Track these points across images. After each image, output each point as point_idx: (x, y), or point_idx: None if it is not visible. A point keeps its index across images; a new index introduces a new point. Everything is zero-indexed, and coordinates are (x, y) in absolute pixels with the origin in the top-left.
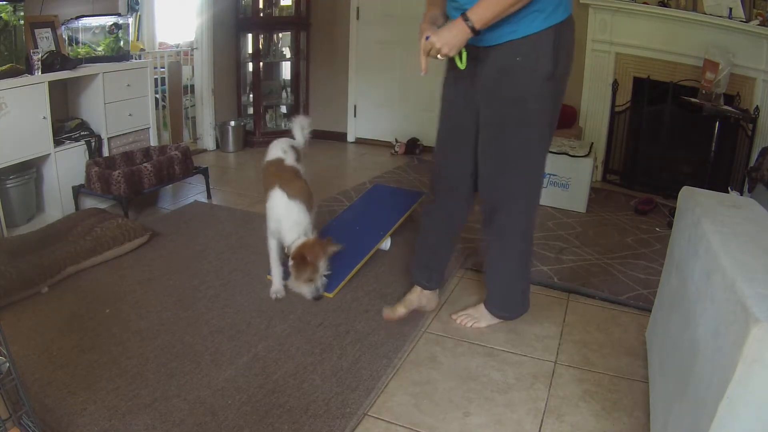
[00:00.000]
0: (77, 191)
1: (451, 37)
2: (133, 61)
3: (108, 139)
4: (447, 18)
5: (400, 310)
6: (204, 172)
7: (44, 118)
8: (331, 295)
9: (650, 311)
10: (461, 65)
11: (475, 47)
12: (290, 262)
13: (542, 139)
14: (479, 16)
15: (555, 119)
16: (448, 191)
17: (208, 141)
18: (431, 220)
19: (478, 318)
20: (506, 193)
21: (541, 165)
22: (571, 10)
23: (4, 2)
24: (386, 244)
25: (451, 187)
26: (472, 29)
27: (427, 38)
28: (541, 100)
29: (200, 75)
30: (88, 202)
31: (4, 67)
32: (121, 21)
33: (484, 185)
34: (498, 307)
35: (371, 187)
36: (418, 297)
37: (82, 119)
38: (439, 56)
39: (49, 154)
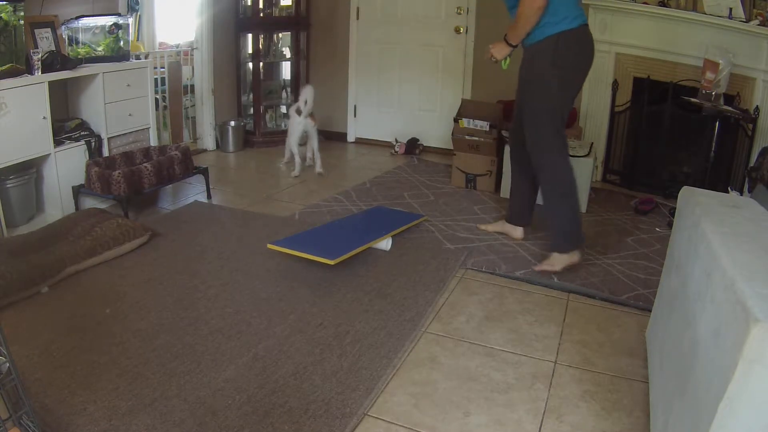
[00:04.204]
0: (77, 191)
1: (498, 50)
2: (133, 61)
3: (108, 139)
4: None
5: (489, 227)
6: (204, 172)
7: (44, 118)
8: (332, 262)
9: (650, 311)
10: (504, 67)
11: (523, 47)
12: None
13: (549, 108)
14: (511, 36)
15: (564, 97)
16: (513, 151)
17: (208, 141)
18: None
19: (553, 263)
20: (534, 139)
21: (548, 125)
22: (575, 24)
23: (4, 2)
24: (387, 244)
25: (513, 146)
26: (509, 44)
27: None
28: (546, 81)
29: (200, 75)
30: (88, 202)
31: (4, 67)
32: (121, 21)
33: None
34: (557, 243)
35: (372, 207)
36: (503, 225)
37: (82, 119)
38: (493, 60)
39: (49, 154)
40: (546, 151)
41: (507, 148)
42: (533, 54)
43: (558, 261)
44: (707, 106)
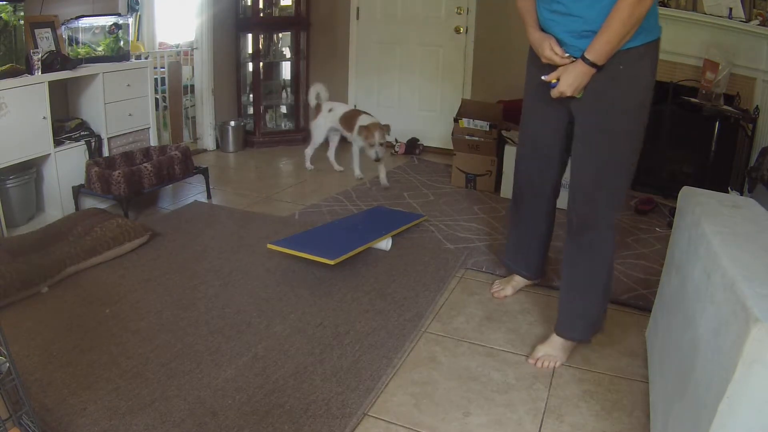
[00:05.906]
0: (77, 191)
1: (576, 81)
2: (133, 61)
3: (108, 139)
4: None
5: (508, 291)
6: (204, 172)
7: (44, 118)
8: (332, 262)
9: (650, 311)
10: (579, 96)
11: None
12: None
13: (637, 149)
14: (599, 53)
15: (644, 129)
16: (533, 197)
17: (208, 141)
18: (519, 223)
19: (557, 356)
20: (602, 203)
21: (630, 177)
22: (661, 32)
23: (4, 2)
24: (387, 245)
25: (536, 192)
26: (594, 66)
27: (552, 85)
28: (640, 108)
29: (200, 75)
30: (88, 202)
31: (4, 67)
32: (121, 21)
33: (578, 194)
34: (578, 331)
35: (372, 207)
36: (524, 280)
37: (82, 119)
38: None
39: (49, 154)
40: (611, 214)
41: (507, 148)
42: (618, 65)
43: (566, 350)
44: (707, 106)
